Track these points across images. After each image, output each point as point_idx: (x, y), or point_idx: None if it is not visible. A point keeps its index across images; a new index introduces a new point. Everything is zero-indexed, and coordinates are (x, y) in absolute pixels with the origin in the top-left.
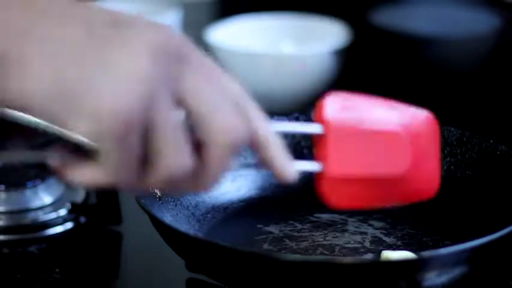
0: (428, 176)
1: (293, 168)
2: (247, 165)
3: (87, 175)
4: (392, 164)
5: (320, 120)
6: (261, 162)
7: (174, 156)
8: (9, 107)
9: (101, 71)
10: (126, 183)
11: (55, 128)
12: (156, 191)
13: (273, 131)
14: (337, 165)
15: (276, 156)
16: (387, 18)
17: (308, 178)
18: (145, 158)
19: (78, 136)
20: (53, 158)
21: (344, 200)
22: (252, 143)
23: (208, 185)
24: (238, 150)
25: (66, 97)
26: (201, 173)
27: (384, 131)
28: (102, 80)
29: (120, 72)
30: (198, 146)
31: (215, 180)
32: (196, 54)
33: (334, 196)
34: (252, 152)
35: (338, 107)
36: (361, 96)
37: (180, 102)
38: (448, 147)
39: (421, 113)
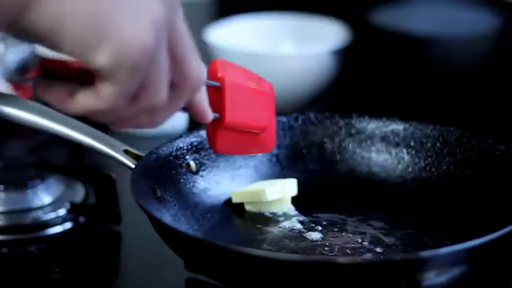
0: (272, 133)
1: (210, 113)
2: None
3: (86, 102)
4: (262, 118)
5: (215, 77)
6: (191, 106)
7: (159, 90)
8: (37, 36)
9: (124, 11)
10: (115, 112)
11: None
12: (156, 191)
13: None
14: (231, 114)
15: (205, 103)
16: (387, 18)
17: (308, 179)
18: (135, 92)
19: (94, 66)
20: (47, 91)
21: (226, 147)
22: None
23: (164, 120)
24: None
25: (96, 27)
26: (164, 108)
27: (260, 90)
28: (125, 19)
29: (141, 14)
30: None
31: (171, 115)
32: (180, 8)
33: (222, 142)
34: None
35: (228, 67)
36: (236, 64)
37: (169, 42)
38: (448, 147)
39: (268, 82)
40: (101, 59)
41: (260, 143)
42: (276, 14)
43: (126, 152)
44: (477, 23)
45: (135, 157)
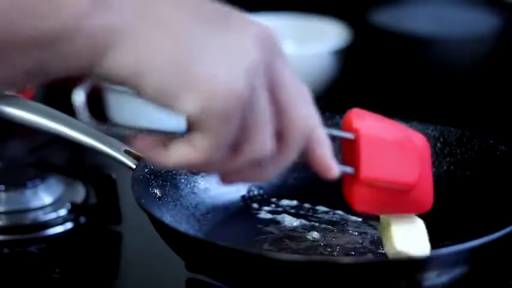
0: (427, 190)
1: (337, 168)
2: None
3: (180, 153)
4: (406, 174)
5: (350, 128)
6: (310, 159)
7: (261, 141)
8: (115, 83)
9: (215, 54)
10: (215, 164)
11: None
12: (156, 191)
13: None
14: (367, 169)
15: (328, 155)
16: (387, 18)
17: (309, 179)
18: (235, 143)
19: (181, 114)
20: (140, 141)
21: (366, 204)
22: (312, 140)
23: (274, 173)
24: (307, 141)
25: (180, 72)
26: (272, 161)
27: (402, 143)
28: (216, 62)
29: (233, 58)
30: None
31: (281, 169)
32: (283, 52)
33: (360, 199)
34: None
35: (364, 118)
36: (376, 114)
37: (270, 92)
38: (448, 147)
39: (420, 135)
40: (186, 106)
41: (411, 202)
42: (276, 14)
43: (127, 152)
44: (477, 23)
45: (136, 157)
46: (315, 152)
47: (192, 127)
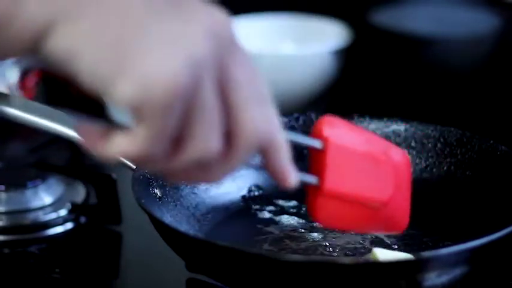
0: (401, 209)
1: (295, 177)
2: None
3: (118, 145)
4: (377, 190)
5: (319, 136)
6: (267, 165)
7: (206, 139)
8: (53, 68)
9: (157, 41)
10: (155, 159)
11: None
12: (156, 191)
13: (285, 139)
14: (332, 181)
15: (284, 163)
16: (387, 18)
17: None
18: (177, 139)
19: (116, 104)
20: (82, 130)
21: (329, 218)
22: (267, 145)
23: (222, 176)
24: (259, 148)
25: (116, 59)
26: (219, 163)
27: (376, 157)
28: (156, 50)
29: (177, 47)
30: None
31: (229, 172)
32: (240, 48)
33: (323, 212)
34: (260, 153)
35: (336, 127)
36: (351, 124)
37: (220, 89)
38: (448, 148)
39: (399, 150)
40: (122, 93)
41: (382, 220)
42: (276, 14)
43: None
44: (477, 23)
45: None
46: (271, 158)
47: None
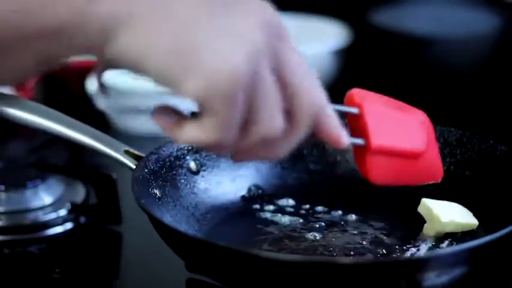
0: (436, 160)
1: (347, 138)
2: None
3: (191, 133)
4: (414, 142)
5: (353, 104)
6: (320, 132)
7: (271, 120)
8: (123, 67)
9: (216, 37)
10: (225, 144)
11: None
12: (156, 191)
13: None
14: (377, 138)
15: (336, 127)
16: (387, 18)
17: (309, 179)
18: (243, 123)
19: (186, 96)
20: (158, 117)
21: (381, 175)
22: (321, 115)
23: (285, 151)
24: (315, 117)
25: (183, 55)
26: (282, 139)
27: (405, 114)
28: (217, 45)
29: (235, 40)
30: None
31: (292, 146)
32: (288, 36)
33: (374, 170)
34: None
35: (366, 95)
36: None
37: (276, 72)
38: (448, 148)
39: (420, 111)
40: (190, 88)
41: (423, 171)
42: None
43: (127, 152)
44: (477, 23)
45: (136, 157)
46: (325, 123)
47: (202, 110)
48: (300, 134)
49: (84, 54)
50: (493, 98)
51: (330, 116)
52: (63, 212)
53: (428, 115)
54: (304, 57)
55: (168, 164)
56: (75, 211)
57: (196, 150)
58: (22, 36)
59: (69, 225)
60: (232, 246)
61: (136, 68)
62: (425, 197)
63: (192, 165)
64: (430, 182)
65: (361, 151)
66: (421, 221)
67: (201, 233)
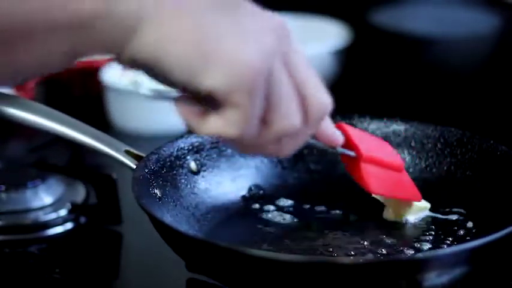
0: (412, 183)
1: (341, 136)
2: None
3: (214, 125)
4: (394, 157)
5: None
6: (319, 132)
7: (289, 114)
8: (145, 66)
9: (233, 37)
10: (248, 137)
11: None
12: (156, 191)
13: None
14: (365, 150)
15: (332, 127)
16: (387, 18)
17: (309, 179)
18: (263, 119)
19: (208, 90)
20: (181, 105)
21: (377, 184)
22: (326, 113)
23: (296, 147)
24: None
25: (205, 50)
26: (296, 135)
27: (382, 141)
28: (235, 43)
29: (250, 40)
30: None
31: (303, 143)
32: (294, 40)
33: (370, 178)
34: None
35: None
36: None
37: (287, 67)
38: (449, 148)
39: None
40: (213, 82)
41: (407, 185)
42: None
43: (127, 152)
44: (477, 23)
45: (136, 157)
46: (324, 124)
47: (220, 103)
48: (311, 132)
49: (107, 50)
50: (493, 98)
51: (328, 117)
52: (63, 212)
53: (429, 115)
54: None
55: (168, 164)
56: (75, 211)
57: (196, 150)
58: (50, 26)
59: (69, 225)
60: (232, 246)
61: (156, 65)
62: (425, 199)
63: (193, 165)
64: (415, 201)
65: (354, 164)
66: (421, 221)
67: (202, 233)
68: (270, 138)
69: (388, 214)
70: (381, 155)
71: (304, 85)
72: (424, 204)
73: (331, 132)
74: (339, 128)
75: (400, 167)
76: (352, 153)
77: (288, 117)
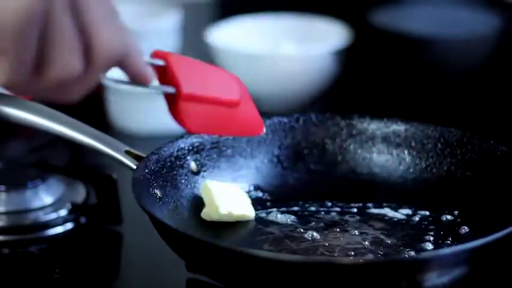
0: (253, 114)
1: (153, 75)
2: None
3: None
4: (227, 92)
5: (160, 57)
6: (127, 71)
7: (66, 60)
8: None
9: None
10: (20, 84)
11: None
12: (156, 191)
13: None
14: (186, 86)
15: (143, 66)
16: (387, 18)
17: (309, 179)
18: (38, 62)
19: None
20: None
21: (197, 123)
22: (125, 56)
23: (81, 94)
24: (117, 61)
25: None
26: (80, 81)
27: (216, 68)
28: None
29: None
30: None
31: (88, 89)
32: None
33: (187, 116)
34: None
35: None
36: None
37: (72, 11)
38: (449, 148)
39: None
40: None
41: (242, 122)
42: (276, 15)
43: (127, 152)
44: (477, 23)
45: (136, 158)
46: (130, 64)
47: None
48: (96, 77)
49: None
50: (493, 98)
51: (135, 55)
52: (63, 212)
53: (429, 115)
54: (305, 57)
55: (168, 164)
56: (75, 211)
57: (196, 150)
58: None
59: (69, 226)
60: (232, 246)
61: None
62: (425, 199)
63: (193, 165)
64: (253, 135)
65: (174, 101)
66: (421, 221)
67: (202, 233)
68: (49, 85)
69: (205, 215)
70: (210, 91)
71: (91, 25)
72: (248, 213)
73: (139, 69)
74: (164, 58)
75: (234, 102)
76: (171, 90)
77: (65, 63)
